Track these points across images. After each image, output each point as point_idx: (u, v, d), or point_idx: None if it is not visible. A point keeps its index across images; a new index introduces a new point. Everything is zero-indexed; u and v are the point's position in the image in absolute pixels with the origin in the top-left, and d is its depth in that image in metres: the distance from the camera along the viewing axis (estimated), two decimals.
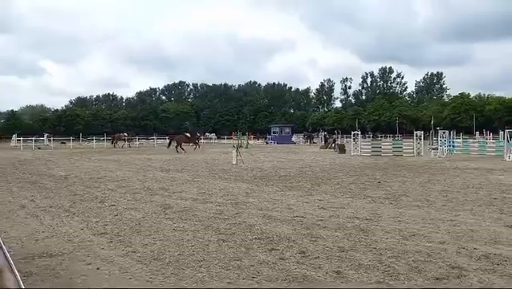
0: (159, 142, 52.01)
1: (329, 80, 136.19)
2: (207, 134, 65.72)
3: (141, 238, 5.76)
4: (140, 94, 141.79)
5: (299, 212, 7.43)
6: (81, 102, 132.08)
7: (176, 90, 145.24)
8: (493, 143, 29.34)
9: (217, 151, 32.85)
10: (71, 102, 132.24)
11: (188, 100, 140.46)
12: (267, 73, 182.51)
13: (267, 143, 56.40)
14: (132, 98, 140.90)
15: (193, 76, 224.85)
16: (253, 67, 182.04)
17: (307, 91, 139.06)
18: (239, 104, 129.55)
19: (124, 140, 45.25)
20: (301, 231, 5.99)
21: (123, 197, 9.45)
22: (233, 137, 43.00)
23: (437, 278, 4.00)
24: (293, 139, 59.93)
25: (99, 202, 8.74)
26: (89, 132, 73.06)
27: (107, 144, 48.16)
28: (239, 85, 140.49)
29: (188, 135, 34.20)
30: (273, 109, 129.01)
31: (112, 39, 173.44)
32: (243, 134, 52.54)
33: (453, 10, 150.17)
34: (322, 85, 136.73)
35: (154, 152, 32.45)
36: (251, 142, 54.77)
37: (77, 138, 57.94)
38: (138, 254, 4.97)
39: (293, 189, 10.53)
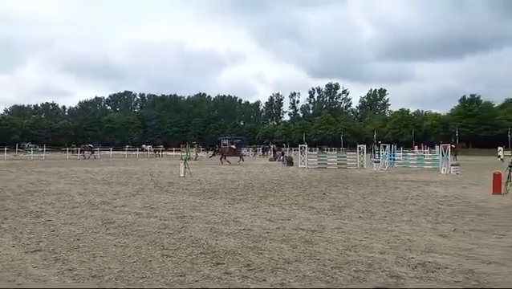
0: (115, 153, 50.39)
1: (278, 94, 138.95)
2: (143, 146, 64.14)
3: (79, 254, 5.45)
4: (83, 103, 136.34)
5: (246, 225, 7.41)
6: (18, 110, 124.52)
7: (122, 100, 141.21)
8: (430, 157, 31.20)
9: (164, 163, 32.16)
10: (6, 110, 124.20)
11: (135, 111, 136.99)
12: (217, 85, 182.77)
13: (215, 155, 56.04)
14: (75, 107, 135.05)
15: (140, 87, 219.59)
16: (203, 78, 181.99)
17: (257, 104, 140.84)
18: (188, 116, 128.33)
19: (91, 151, 45.36)
20: (247, 244, 5.97)
21: (61, 211, 8.92)
22: (182, 149, 42.37)
23: (377, 288, 4.12)
24: (243, 151, 60.12)
25: (34, 217, 8.19)
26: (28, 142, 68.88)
27: (69, 155, 45.57)
28: (188, 96, 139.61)
29: (233, 147, 35.26)
30: (223, 121, 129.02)
31: (54, 47, 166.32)
32: (192, 146, 51.92)
33: (395, 30, 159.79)
34: (271, 99, 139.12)
35: (107, 163, 31.14)
36: (200, 154, 54.26)
37: (13, 148, 54.32)
38: (75, 272, 4.69)
39: (241, 201, 10.51)
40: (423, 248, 5.74)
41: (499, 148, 48.87)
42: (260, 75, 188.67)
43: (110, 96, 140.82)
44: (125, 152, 56.84)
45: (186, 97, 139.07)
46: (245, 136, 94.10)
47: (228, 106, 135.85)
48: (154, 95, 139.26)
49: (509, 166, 13.36)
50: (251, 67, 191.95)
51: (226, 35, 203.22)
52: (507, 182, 12.65)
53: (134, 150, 61.11)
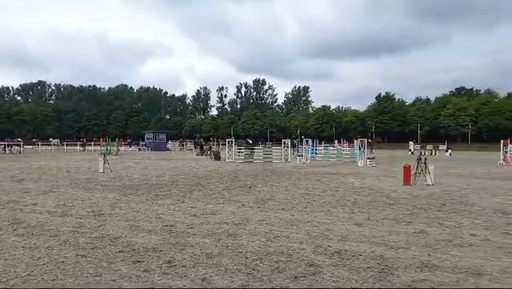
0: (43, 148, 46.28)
1: (205, 88, 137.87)
2: (50, 139, 60.16)
3: None
4: None
5: (169, 221, 7.24)
6: None
7: (35, 90, 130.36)
8: (349, 150, 33.06)
9: (81, 158, 30.32)
10: None
11: (50, 102, 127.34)
12: (140, 77, 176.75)
13: (140, 150, 54.19)
14: None
15: (56, 76, 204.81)
16: (126, 69, 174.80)
17: (184, 97, 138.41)
18: (109, 108, 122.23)
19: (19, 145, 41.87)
20: (169, 240, 5.83)
21: None
22: (102, 143, 40.22)
23: (296, 277, 4.25)
24: (168, 145, 58.81)
25: None
26: None
27: None
28: (109, 88, 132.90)
29: (250, 141, 34.95)
30: (147, 114, 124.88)
31: None
32: (113, 140, 49.62)
33: (318, 30, 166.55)
34: (198, 92, 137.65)
35: (19, 159, 28.44)
36: (122, 148, 52.08)
37: None
38: None
39: (164, 197, 10.24)
40: (340, 237, 6.04)
41: (410, 142, 53.36)
42: (187, 67, 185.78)
43: (21, 86, 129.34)
44: (50, 147, 52.82)
45: (107, 88, 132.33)
46: (171, 130, 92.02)
47: (152, 98, 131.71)
48: (71, 86, 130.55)
49: (418, 159, 14.60)
50: (178, 60, 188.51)
51: (152, 26, 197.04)
52: (415, 174, 13.80)
53: (48, 144, 56.95)
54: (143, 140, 58.88)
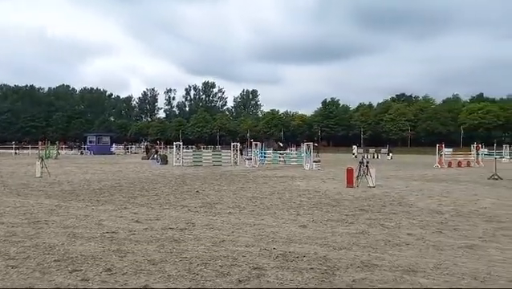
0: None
1: (153, 90, 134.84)
2: None
3: None
4: None
5: (110, 227, 6.95)
6: None
7: None
8: (296, 154, 33.72)
9: (16, 162, 28.44)
10: None
11: None
12: (83, 77, 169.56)
13: (82, 153, 51.78)
14: None
15: None
16: (67, 69, 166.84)
17: (129, 99, 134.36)
18: (49, 109, 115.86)
19: None
20: (110, 248, 5.59)
21: None
22: (40, 147, 37.91)
23: (240, 280, 4.24)
24: (112, 149, 56.73)
25: None
26: None
27: None
28: (49, 88, 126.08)
29: (280, 144, 36.17)
30: (90, 116, 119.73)
31: None
32: (53, 143, 47.03)
33: (267, 33, 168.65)
34: (145, 94, 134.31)
35: None
36: (62, 152, 49.51)
37: None
38: None
39: (106, 203, 9.84)
40: (285, 239, 6.11)
41: (354, 146, 55.41)
42: (133, 68, 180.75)
43: None
44: None
45: (46, 89, 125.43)
46: (116, 133, 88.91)
47: (96, 100, 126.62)
48: (6, 86, 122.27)
49: (360, 162, 15.17)
50: (124, 60, 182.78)
51: (96, 24, 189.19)
52: (358, 176, 14.32)
53: None
54: (85, 143, 56.23)
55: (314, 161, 24.71)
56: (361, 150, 54.19)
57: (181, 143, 28.42)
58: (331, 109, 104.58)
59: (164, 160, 28.28)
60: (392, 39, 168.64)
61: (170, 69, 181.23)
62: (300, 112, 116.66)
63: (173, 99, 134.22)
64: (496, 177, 17.16)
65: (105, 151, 50.49)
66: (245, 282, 4.21)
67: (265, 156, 31.28)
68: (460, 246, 5.74)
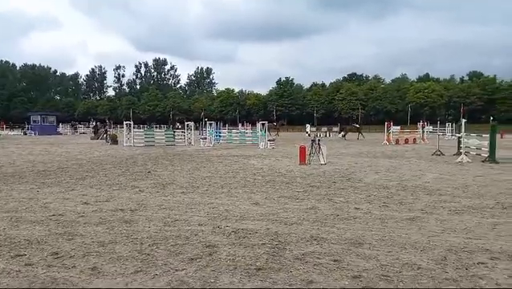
0: None
1: (101, 67, 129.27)
2: None
3: None
4: None
5: (57, 210, 6.68)
6: None
7: None
8: (251, 133, 33.85)
9: None
10: None
11: None
12: (25, 53, 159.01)
13: (26, 134, 49.02)
14: None
15: None
16: (6, 44, 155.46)
17: (76, 76, 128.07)
18: None
19: None
20: (56, 231, 5.38)
21: None
22: None
23: (192, 259, 4.24)
24: (59, 129, 54.18)
25: None
26: None
27: None
28: None
29: (356, 126, 38.03)
30: (33, 95, 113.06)
31: None
32: None
33: (223, 11, 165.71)
34: (93, 71, 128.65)
35: None
36: (3, 133, 46.63)
37: None
38: None
39: (52, 185, 9.42)
40: (238, 217, 6.17)
41: (307, 125, 56.50)
42: (79, 44, 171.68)
43: None
44: None
45: None
46: (62, 112, 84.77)
47: (39, 77, 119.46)
48: None
49: (312, 140, 15.52)
50: (69, 35, 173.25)
51: None
52: (310, 154, 14.65)
53: None
54: (29, 123, 53.20)
55: (268, 140, 24.95)
56: (314, 129, 55.39)
57: (132, 122, 27.58)
58: (285, 88, 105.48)
59: (114, 141, 27.41)
60: (346, 19, 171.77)
61: (119, 45, 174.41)
62: (255, 91, 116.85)
63: (123, 76, 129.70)
64: (439, 153, 18.19)
65: (51, 131, 48.13)
66: (197, 260, 4.22)
67: (220, 136, 31.15)
68: (403, 219, 6.07)
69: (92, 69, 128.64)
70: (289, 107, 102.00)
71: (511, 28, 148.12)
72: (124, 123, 27.74)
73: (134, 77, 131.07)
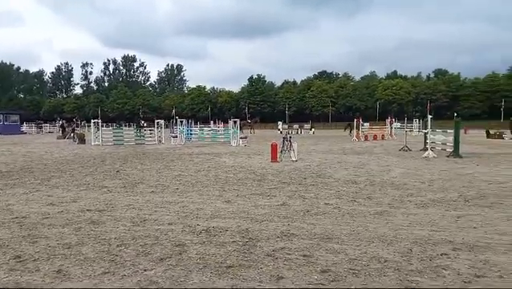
0: None
1: (67, 64, 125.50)
2: None
3: None
4: None
5: (20, 212, 6.44)
6: None
7: None
8: (223, 131, 33.72)
9: None
10: None
11: None
12: None
13: None
14: None
15: None
16: None
17: (41, 73, 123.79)
18: None
19: None
20: (19, 233, 5.19)
21: None
22: None
23: (161, 258, 4.19)
24: (23, 128, 52.26)
25: None
26: None
27: None
28: None
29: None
30: None
31: None
32: None
33: (194, 7, 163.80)
34: (59, 69, 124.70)
35: None
36: None
37: None
38: None
39: (15, 186, 9.07)
40: (209, 215, 6.14)
41: (279, 122, 56.90)
42: (45, 41, 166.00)
43: None
44: None
45: None
46: (26, 111, 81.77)
47: (1, 74, 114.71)
48: None
49: (284, 138, 15.63)
50: (32, 31, 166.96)
51: None
52: (282, 151, 14.75)
53: None
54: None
55: (240, 138, 24.93)
56: (286, 126, 55.80)
57: (100, 120, 26.94)
58: (257, 86, 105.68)
59: (82, 140, 26.69)
60: (317, 17, 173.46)
61: (86, 41, 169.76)
62: (227, 89, 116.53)
63: (90, 73, 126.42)
64: (406, 148, 18.72)
65: (14, 130, 46.33)
66: (167, 259, 4.17)
67: (191, 134, 30.87)
68: (371, 213, 6.21)
69: (58, 66, 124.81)
70: (261, 105, 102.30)
71: (475, 27, 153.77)
72: (92, 121, 27.06)
73: (102, 74, 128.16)
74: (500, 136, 30.41)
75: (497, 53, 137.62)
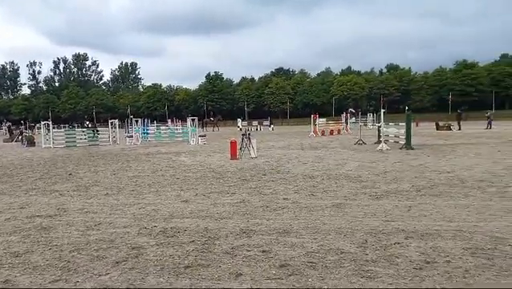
0: None
1: (13, 63, 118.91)
2: None
3: None
4: None
5: None
6: None
7: None
8: (182, 129, 33.24)
9: None
10: None
11: None
12: None
13: None
14: None
15: None
16: None
17: None
18: None
19: None
20: None
21: None
22: None
23: (117, 262, 4.06)
24: None
25: None
26: None
27: None
28: None
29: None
30: None
31: None
32: None
33: (147, 2, 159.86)
34: (3, 68, 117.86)
35: None
36: None
37: None
38: None
39: None
40: (166, 216, 6.02)
41: (238, 119, 56.90)
42: None
43: None
44: None
45: None
46: None
47: None
48: None
49: (243, 135, 15.63)
50: None
51: None
52: (241, 148, 14.75)
53: None
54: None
55: (199, 136, 24.69)
56: (245, 123, 55.91)
57: (51, 122, 25.76)
58: (215, 83, 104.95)
59: (31, 142, 25.42)
60: (275, 13, 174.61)
61: (34, 39, 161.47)
62: (185, 86, 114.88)
63: (39, 73, 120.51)
64: (361, 142, 19.28)
65: None
66: (123, 263, 4.05)
67: (148, 133, 30.20)
68: (328, 206, 6.34)
69: (3, 65, 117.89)
70: (219, 102, 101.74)
71: (424, 22, 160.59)
72: (42, 123, 25.83)
73: (52, 74, 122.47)
74: (448, 128, 32.03)
75: (445, 48, 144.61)
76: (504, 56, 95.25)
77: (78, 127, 34.04)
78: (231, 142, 14.62)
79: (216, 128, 48.49)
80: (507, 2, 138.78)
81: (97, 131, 28.49)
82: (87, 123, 39.40)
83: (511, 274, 3.55)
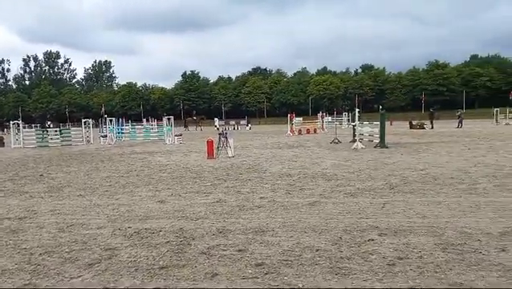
0: None
1: None
2: None
3: None
4: None
5: None
6: None
7: None
8: (157, 128, 32.84)
9: None
10: None
11: None
12: None
13: None
14: None
15: None
16: None
17: None
18: None
19: None
20: None
21: None
22: None
23: (90, 264, 3.97)
24: None
25: None
26: None
27: None
28: None
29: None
30: None
31: None
32: None
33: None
34: None
35: None
36: None
37: None
38: None
39: None
40: (141, 216, 5.93)
41: (215, 118, 56.65)
42: None
43: None
44: None
45: None
46: None
47: None
48: None
49: (219, 134, 15.57)
50: None
51: None
52: (218, 148, 14.68)
53: None
54: None
55: (175, 135, 24.45)
56: (222, 122, 55.74)
57: (20, 121, 24.98)
58: (191, 82, 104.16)
59: (0, 142, 24.59)
60: (251, 11, 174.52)
61: (2, 35, 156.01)
62: (160, 85, 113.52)
63: (8, 71, 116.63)
64: (337, 141, 19.52)
65: None
66: (96, 265, 3.96)
67: (122, 133, 29.70)
68: (304, 204, 6.39)
69: None
70: (196, 102, 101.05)
71: (398, 24, 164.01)
72: (11, 122, 25.01)
73: (22, 72, 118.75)
74: (421, 127, 32.83)
75: (418, 49, 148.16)
76: (474, 57, 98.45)
77: (41, 126, 32.85)
78: (208, 141, 14.54)
79: (199, 128, 48.24)
80: (477, 5, 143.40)
81: (47, 131, 27.15)
82: (49, 123, 38.26)
83: (480, 268, 3.66)
